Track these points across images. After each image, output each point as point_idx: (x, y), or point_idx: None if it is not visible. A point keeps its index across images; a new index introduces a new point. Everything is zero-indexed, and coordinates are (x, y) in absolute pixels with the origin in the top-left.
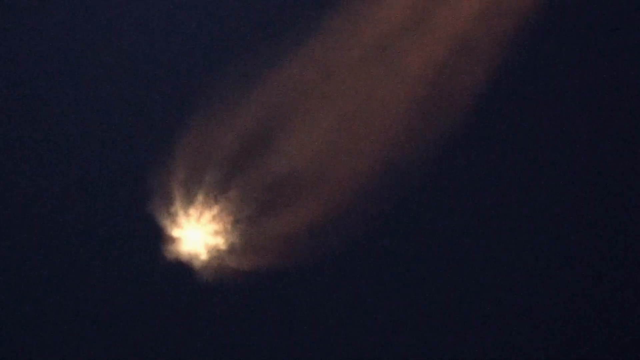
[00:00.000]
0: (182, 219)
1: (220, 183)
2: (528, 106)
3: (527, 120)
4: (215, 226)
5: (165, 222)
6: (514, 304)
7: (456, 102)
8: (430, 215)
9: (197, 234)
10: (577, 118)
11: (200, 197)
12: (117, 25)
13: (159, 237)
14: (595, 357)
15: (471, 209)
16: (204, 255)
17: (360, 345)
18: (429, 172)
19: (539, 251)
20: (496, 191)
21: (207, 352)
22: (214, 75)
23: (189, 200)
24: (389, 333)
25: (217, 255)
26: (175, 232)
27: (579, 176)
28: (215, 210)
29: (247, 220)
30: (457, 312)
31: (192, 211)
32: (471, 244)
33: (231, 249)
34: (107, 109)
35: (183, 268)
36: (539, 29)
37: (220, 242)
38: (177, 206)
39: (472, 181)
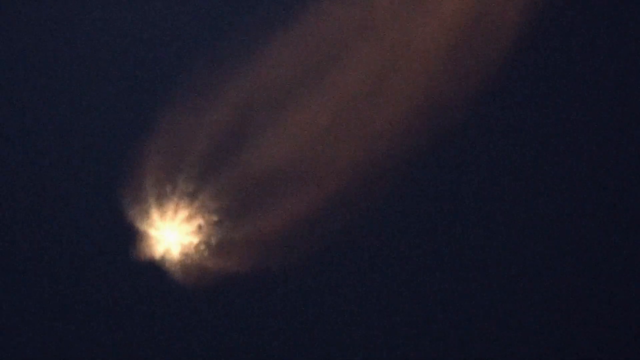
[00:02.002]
0: (156, 218)
1: (196, 180)
2: (526, 105)
3: (524, 120)
4: (190, 225)
5: (138, 222)
6: (511, 301)
7: (447, 99)
8: (417, 213)
9: (171, 233)
10: (580, 118)
11: (174, 195)
12: (85, 24)
13: (131, 237)
14: (595, 357)
15: (461, 211)
16: (178, 256)
17: (344, 346)
18: (416, 169)
19: (538, 249)
20: (486, 189)
21: (183, 354)
22: (187, 67)
23: (163, 199)
24: (374, 334)
25: (192, 256)
26: (148, 232)
27: (580, 177)
28: (190, 208)
29: (224, 219)
30: (445, 308)
31: (167, 210)
32: (459, 243)
33: (207, 249)
34: (79, 107)
35: (157, 268)
36: (540, 26)
37: (195, 241)
38: (151, 204)
39: (463, 182)
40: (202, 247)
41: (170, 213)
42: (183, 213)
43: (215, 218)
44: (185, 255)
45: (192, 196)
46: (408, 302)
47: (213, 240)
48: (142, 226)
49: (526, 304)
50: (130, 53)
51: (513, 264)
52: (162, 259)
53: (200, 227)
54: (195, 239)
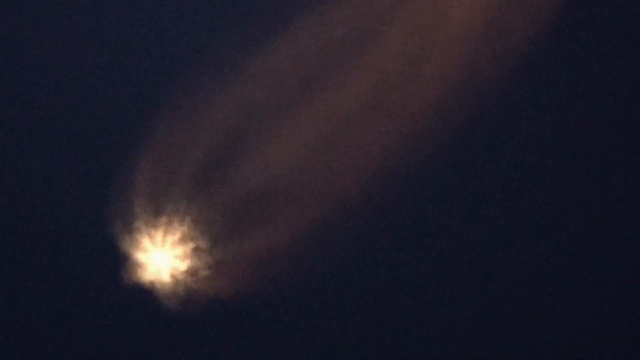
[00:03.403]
0: (145, 241)
1: (187, 201)
2: (525, 109)
3: (524, 124)
4: (181, 249)
5: (128, 245)
6: (512, 304)
7: (455, 105)
8: (416, 227)
9: (161, 257)
10: (587, 121)
11: (164, 218)
12: (79, 28)
13: (120, 262)
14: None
15: (474, 223)
16: (168, 281)
17: None
18: (416, 182)
19: (540, 251)
20: (483, 201)
21: None
22: (177, 83)
23: (153, 222)
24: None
25: (183, 280)
26: (138, 256)
27: (583, 179)
28: (181, 231)
29: (215, 243)
30: (462, 319)
31: (156, 233)
32: (472, 255)
33: (199, 273)
34: (67, 126)
35: (146, 294)
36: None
37: (186, 265)
38: (140, 228)
39: (464, 190)
40: (194, 271)
41: (160, 236)
42: (174, 236)
43: (207, 241)
44: (176, 279)
45: (183, 218)
46: (416, 324)
47: (205, 264)
48: (131, 250)
49: (539, 307)
50: (117, 72)
51: (533, 267)
52: (152, 284)
53: (195, 249)
54: (186, 263)
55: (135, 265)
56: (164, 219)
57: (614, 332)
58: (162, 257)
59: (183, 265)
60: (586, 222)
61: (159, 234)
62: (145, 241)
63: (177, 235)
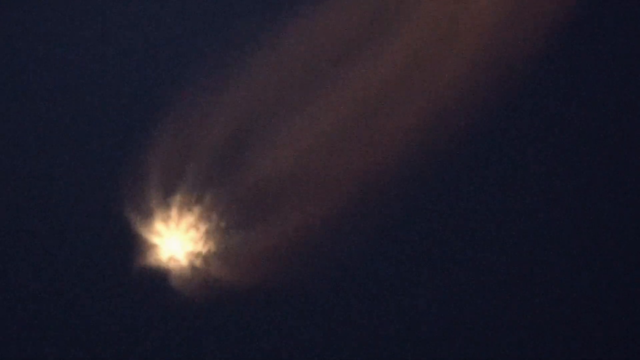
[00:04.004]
0: (159, 225)
1: (200, 186)
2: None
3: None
4: (193, 233)
5: (141, 229)
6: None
7: (458, 105)
8: (424, 219)
9: (175, 241)
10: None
11: (179, 201)
12: (87, 24)
13: (134, 245)
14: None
15: (479, 220)
16: (181, 264)
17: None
18: (424, 175)
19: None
20: (483, 199)
21: None
22: (189, 73)
23: (167, 205)
24: (382, 345)
25: (195, 264)
26: (151, 240)
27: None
28: (195, 215)
29: (230, 226)
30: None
31: (171, 217)
32: (476, 250)
33: (213, 257)
34: (80, 114)
35: (160, 278)
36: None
37: (201, 249)
38: (154, 212)
39: (468, 185)
40: (206, 255)
41: (174, 220)
42: (187, 220)
43: (220, 225)
44: (189, 263)
45: (196, 203)
46: (423, 310)
47: (218, 249)
48: (145, 234)
49: (539, 307)
50: (129, 62)
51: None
52: (165, 267)
53: (207, 234)
54: (199, 247)
55: (148, 248)
56: (177, 204)
57: (614, 332)
58: (175, 241)
59: (195, 250)
60: (586, 221)
61: (172, 219)
62: (158, 225)
63: (190, 219)
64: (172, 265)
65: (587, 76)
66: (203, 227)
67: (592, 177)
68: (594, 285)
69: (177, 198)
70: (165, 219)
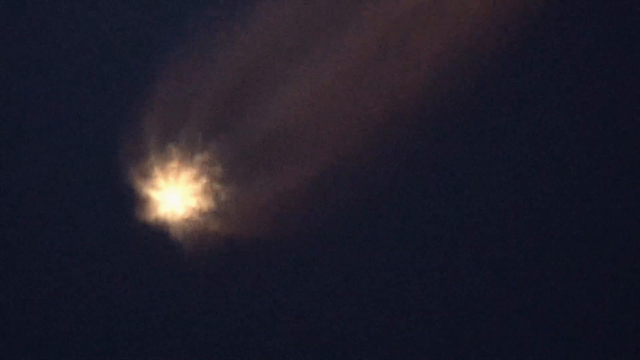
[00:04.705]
0: (158, 178)
1: (199, 140)
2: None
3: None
4: (193, 187)
5: (140, 183)
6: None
7: (458, 61)
8: (426, 178)
9: (175, 195)
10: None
11: (178, 154)
12: None
13: (133, 199)
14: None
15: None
16: (182, 219)
17: (349, 318)
18: (424, 130)
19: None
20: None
21: (186, 321)
22: (190, 23)
23: (166, 158)
24: (381, 305)
25: (195, 218)
26: (150, 193)
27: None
28: (193, 170)
29: (231, 180)
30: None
31: (169, 170)
32: (469, 211)
33: (214, 212)
34: (78, 63)
35: (159, 233)
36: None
37: (201, 204)
38: (153, 164)
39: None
40: (206, 209)
41: (173, 174)
42: (186, 174)
43: (220, 179)
44: (188, 217)
45: (195, 156)
46: (414, 265)
47: (217, 203)
48: (144, 187)
49: (539, 307)
50: (131, 10)
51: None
52: (164, 221)
53: (207, 188)
54: (199, 201)
55: (148, 202)
56: (176, 157)
57: (614, 332)
58: (174, 195)
59: (195, 203)
60: (585, 221)
61: (171, 173)
62: (158, 179)
63: (190, 173)
64: (171, 219)
65: (571, 71)
66: (203, 181)
67: (584, 173)
68: (594, 285)
69: (177, 152)
70: (165, 173)
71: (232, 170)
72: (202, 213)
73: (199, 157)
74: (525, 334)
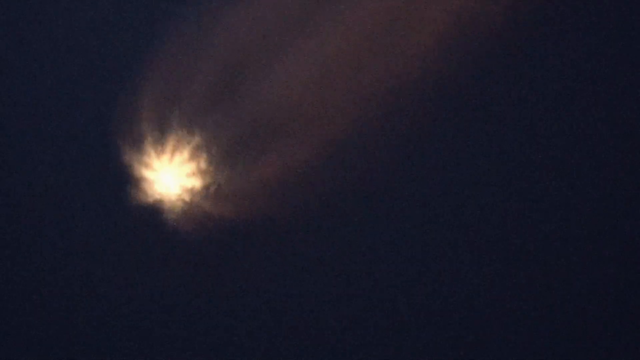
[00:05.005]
0: (152, 159)
1: (194, 121)
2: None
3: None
4: (189, 167)
5: (135, 164)
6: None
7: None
8: (428, 156)
9: (169, 176)
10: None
11: (172, 137)
12: None
13: (128, 180)
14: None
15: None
16: (175, 198)
17: (347, 300)
18: (417, 114)
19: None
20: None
21: (180, 303)
22: (183, 10)
23: (160, 141)
24: (380, 287)
25: (189, 199)
26: (145, 174)
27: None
28: (188, 151)
29: (227, 160)
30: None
31: (165, 151)
32: (464, 190)
33: (208, 193)
34: (73, 46)
35: (153, 214)
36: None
37: (196, 184)
38: (148, 145)
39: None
40: (201, 189)
41: (168, 155)
42: (181, 155)
43: (215, 160)
44: (182, 198)
45: (190, 138)
46: (410, 241)
47: (211, 184)
48: (138, 168)
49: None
50: None
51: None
52: (159, 201)
53: (201, 168)
54: (193, 182)
55: (142, 182)
56: (171, 139)
57: (614, 332)
58: (169, 176)
59: (189, 184)
60: (585, 221)
61: (166, 153)
62: (152, 159)
63: (184, 154)
64: (166, 200)
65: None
66: (197, 162)
67: (579, 171)
68: (593, 285)
69: (172, 132)
70: (159, 154)
71: (226, 151)
72: (195, 193)
73: (192, 140)
74: (526, 334)
